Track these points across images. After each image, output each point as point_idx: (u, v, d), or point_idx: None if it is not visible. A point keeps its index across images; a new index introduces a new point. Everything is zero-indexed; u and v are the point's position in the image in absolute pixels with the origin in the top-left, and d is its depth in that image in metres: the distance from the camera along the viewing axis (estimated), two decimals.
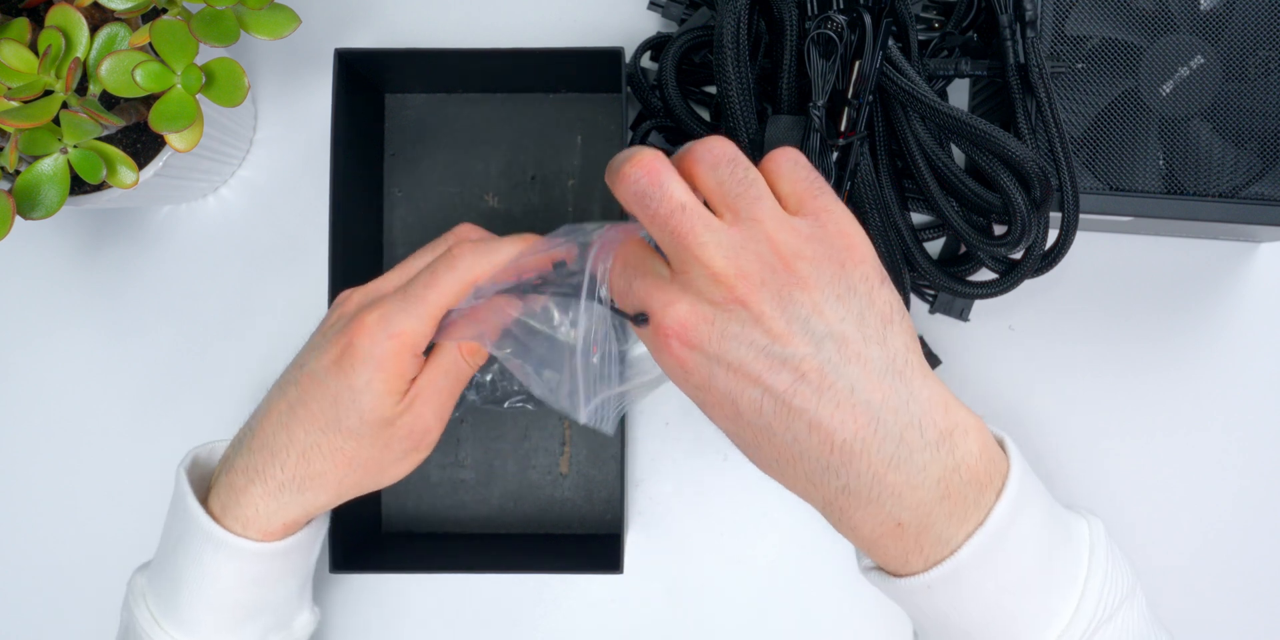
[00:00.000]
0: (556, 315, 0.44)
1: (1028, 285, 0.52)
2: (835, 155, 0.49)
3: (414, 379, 0.44)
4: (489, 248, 0.44)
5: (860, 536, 0.38)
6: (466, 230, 0.48)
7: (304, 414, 0.44)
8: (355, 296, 0.46)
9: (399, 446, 0.45)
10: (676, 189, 0.37)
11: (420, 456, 0.46)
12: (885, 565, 0.39)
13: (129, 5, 0.47)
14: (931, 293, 0.57)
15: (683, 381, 0.38)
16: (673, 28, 0.59)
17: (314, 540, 0.48)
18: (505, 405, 0.57)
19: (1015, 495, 0.37)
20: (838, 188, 0.50)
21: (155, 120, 0.46)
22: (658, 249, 0.39)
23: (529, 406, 0.57)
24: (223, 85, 0.48)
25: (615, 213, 0.59)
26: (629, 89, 0.56)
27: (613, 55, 0.53)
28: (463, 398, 0.55)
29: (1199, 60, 0.50)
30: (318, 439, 0.44)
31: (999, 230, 0.50)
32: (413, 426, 0.45)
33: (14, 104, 0.45)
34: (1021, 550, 0.37)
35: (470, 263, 0.44)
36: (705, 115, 0.57)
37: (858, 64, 0.47)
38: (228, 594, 0.45)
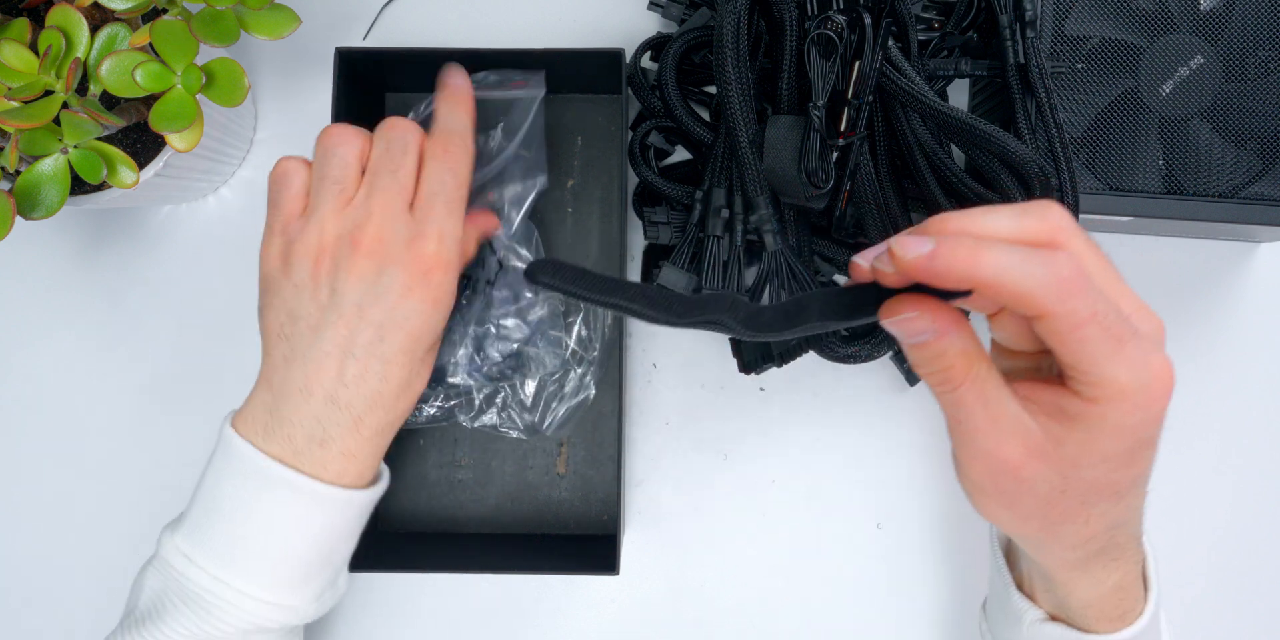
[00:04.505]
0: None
1: None
2: (835, 155, 0.49)
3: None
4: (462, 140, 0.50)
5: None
6: (454, 78, 0.52)
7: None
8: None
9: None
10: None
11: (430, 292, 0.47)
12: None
13: (129, 5, 0.47)
14: None
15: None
16: (673, 28, 0.59)
17: (383, 488, 0.49)
18: (477, 425, 0.57)
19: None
20: (838, 188, 0.50)
21: (155, 120, 0.46)
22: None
23: (512, 433, 0.57)
24: (223, 85, 0.48)
25: (615, 213, 0.59)
26: (629, 89, 0.56)
27: (613, 56, 0.53)
28: (452, 413, 0.56)
29: (1199, 60, 0.50)
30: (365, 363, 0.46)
31: None
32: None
33: (14, 104, 0.45)
34: None
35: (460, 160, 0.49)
36: (705, 115, 0.57)
37: (857, 64, 0.47)
38: (308, 546, 0.45)
